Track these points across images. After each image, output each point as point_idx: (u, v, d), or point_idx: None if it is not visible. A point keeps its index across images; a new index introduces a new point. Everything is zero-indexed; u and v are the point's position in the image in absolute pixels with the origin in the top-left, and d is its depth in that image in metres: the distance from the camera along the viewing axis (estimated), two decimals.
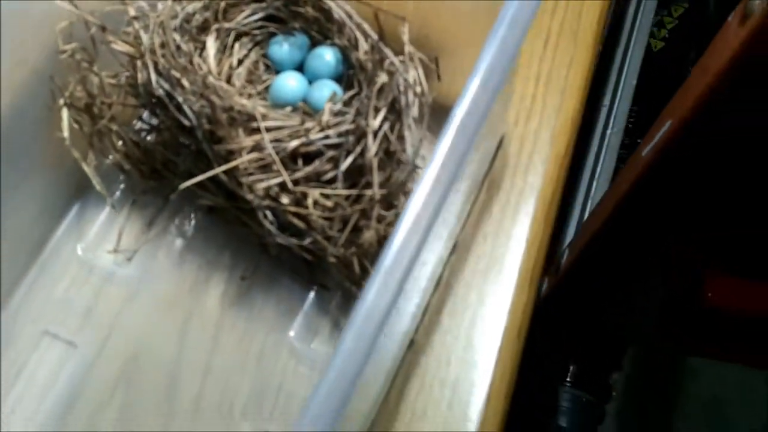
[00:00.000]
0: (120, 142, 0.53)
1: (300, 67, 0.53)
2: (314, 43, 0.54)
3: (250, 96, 0.51)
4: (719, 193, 0.69)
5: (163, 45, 0.49)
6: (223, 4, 0.51)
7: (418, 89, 0.47)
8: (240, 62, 0.52)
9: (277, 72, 0.54)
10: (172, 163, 0.53)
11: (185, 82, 0.47)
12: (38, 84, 0.49)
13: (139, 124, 0.54)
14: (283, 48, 0.53)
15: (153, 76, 0.48)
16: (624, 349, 1.39)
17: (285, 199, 0.47)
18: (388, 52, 0.47)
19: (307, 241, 0.48)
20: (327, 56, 0.52)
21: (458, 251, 0.54)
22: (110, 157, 0.53)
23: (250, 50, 0.53)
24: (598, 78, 0.95)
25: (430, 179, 0.35)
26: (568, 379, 1.25)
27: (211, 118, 0.47)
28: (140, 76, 0.49)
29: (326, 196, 0.47)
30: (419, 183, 0.35)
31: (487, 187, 0.56)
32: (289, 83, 0.52)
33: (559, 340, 1.25)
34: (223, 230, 0.54)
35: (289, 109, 0.51)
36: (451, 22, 0.52)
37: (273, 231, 0.47)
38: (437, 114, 0.57)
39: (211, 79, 0.47)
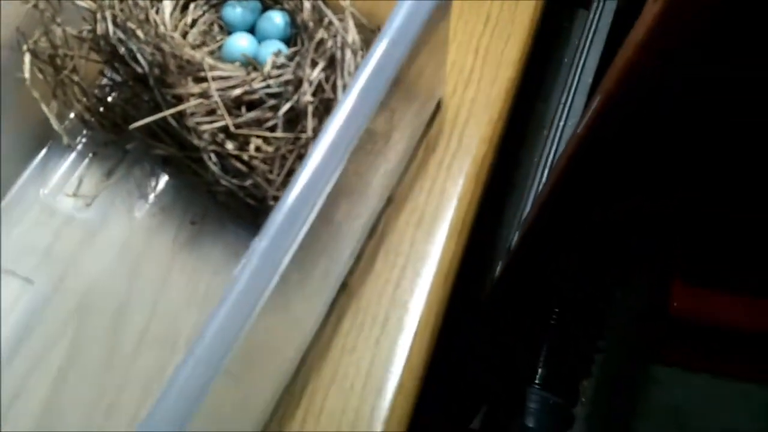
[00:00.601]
0: (83, 97, 0.57)
1: (252, 30, 0.58)
2: (266, 8, 0.58)
3: (199, 48, 0.55)
4: (645, 162, 0.73)
5: (122, 0, 0.53)
6: None
7: (354, 46, 0.51)
8: (194, 22, 0.57)
9: (230, 33, 0.58)
10: (132, 118, 0.57)
11: (140, 33, 0.52)
12: (5, 33, 0.53)
13: (103, 81, 0.58)
14: (236, 10, 0.57)
15: (110, 27, 0.52)
16: (592, 356, 1.43)
17: (229, 144, 0.51)
18: (326, 10, 0.51)
19: (248, 182, 0.52)
20: (276, 19, 0.57)
21: (394, 204, 0.58)
22: (73, 109, 0.57)
23: (205, 12, 0.58)
24: (550, 74, 1.00)
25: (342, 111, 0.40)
26: (536, 381, 1.28)
27: (162, 65, 0.51)
28: (99, 28, 0.53)
29: (267, 141, 0.51)
30: (333, 114, 0.40)
31: (424, 148, 0.60)
32: (241, 43, 0.56)
33: (522, 334, 1.28)
34: (176, 180, 0.58)
35: (237, 64, 0.55)
36: None
37: (217, 173, 0.51)
38: None
39: (162, 29, 0.51)
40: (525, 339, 1.26)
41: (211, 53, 0.58)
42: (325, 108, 0.51)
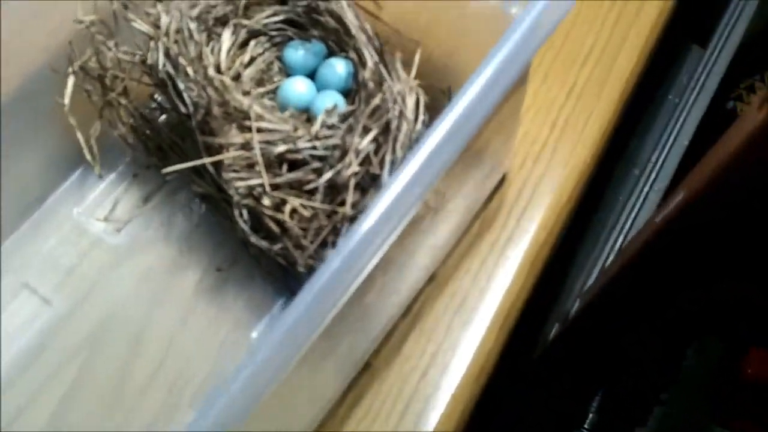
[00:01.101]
0: (129, 119, 0.54)
1: (313, 74, 0.54)
2: (330, 53, 0.54)
3: (247, 94, 0.51)
4: (723, 258, 0.67)
5: (178, 31, 0.50)
6: (243, 1, 0.51)
7: (411, 116, 0.47)
8: (252, 60, 0.53)
9: (289, 75, 0.54)
10: (177, 146, 0.54)
11: (190, 71, 0.48)
12: (57, 49, 0.50)
13: (152, 104, 0.56)
14: (298, 53, 0.53)
15: (161, 59, 0.49)
16: (652, 407, 1.36)
17: (265, 201, 0.48)
18: (386, 74, 0.47)
19: (277, 247, 0.48)
20: (338, 68, 0.52)
21: (436, 282, 0.54)
22: (117, 130, 0.54)
23: (265, 50, 0.54)
24: (642, 128, 0.93)
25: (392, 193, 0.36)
26: (585, 426, 1.22)
27: (207, 109, 0.47)
28: (150, 57, 0.50)
29: (304, 206, 0.47)
30: (381, 194, 0.36)
31: (479, 225, 0.55)
32: (298, 88, 0.53)
33: (574, 384, 1.22)
34: (211, 219, 0.55)
35: (288, 113, 0.51)
36: (474, 52, 0.52)
37: (246, 230, 0.48)
38: None
39: (211, 71, 0.47)
40: (577, 388, 1.20)
41: (266, 94, 0.54)
42: (370, 180, 0.46)
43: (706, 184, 0.56)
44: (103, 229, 0.56)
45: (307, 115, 0.53)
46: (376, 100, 0.47)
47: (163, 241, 0.56)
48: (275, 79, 0.54)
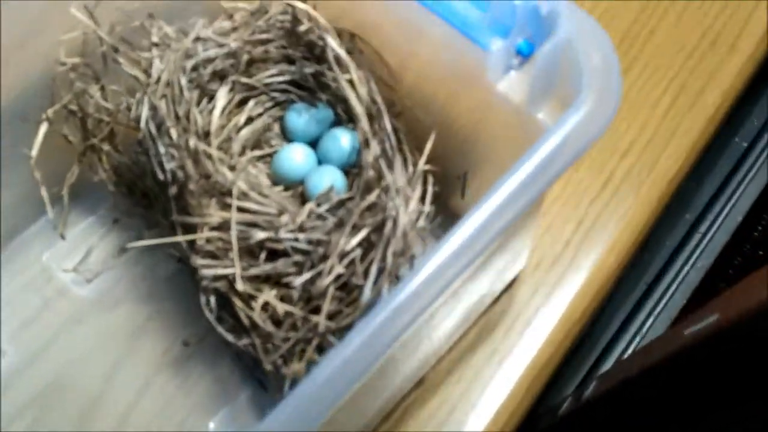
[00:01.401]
0: (112, 164, 0.49)
1: (316, 142, 0.48)
2: (338, 122, 0.48)
3: (241, 155, 0.46)
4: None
5: (168, 84, 0.44)
6: (245, 57, 0.46)
7: (413, 216, 0.41)
8: (250, 120, 0.48)
9: (290, 141, 0.49)
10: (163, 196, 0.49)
11: (173, 133, 0.43)
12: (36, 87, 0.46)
13: (139, 148, 0.51)
14: (300, 118, 0.48)
15: (144, 114, 0.44)
16: None
17: (237, 289, 0.42)
18: (386, 168, 0.41)
19: (242, 342, 0.43)
20: (343, 140, 0.47)
21: (423, 387, 0.49)
22: (98, 175, 0.50)
23: (266, 110, 0.48)
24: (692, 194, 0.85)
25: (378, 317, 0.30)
26: None
27: (184, 183, 0.42)
28: (134, 110, 0.45)
29: (276, 304, 0.42)
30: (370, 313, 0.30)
31: (479, 328, 0.50)
32: (295, 157, 0.47)
33: None
34: (187, 286, 0.50)
35: (278, 189, 0.46)
36: (495, 143, 0.46)
37: (210, 319, 0.43)
38: None
39: (192, 142, 0.42)
40: None
41: (262, 158, 0.49)
42: (349, 292, 0.41)
43: (744, 317, 0.49)
44: (71, 278, 0.51)
45: (302, 188, 0.47)
46: (372, 197, 0.41)
47: (133, 300, 0.51)
48: (273, 142, 0.49)
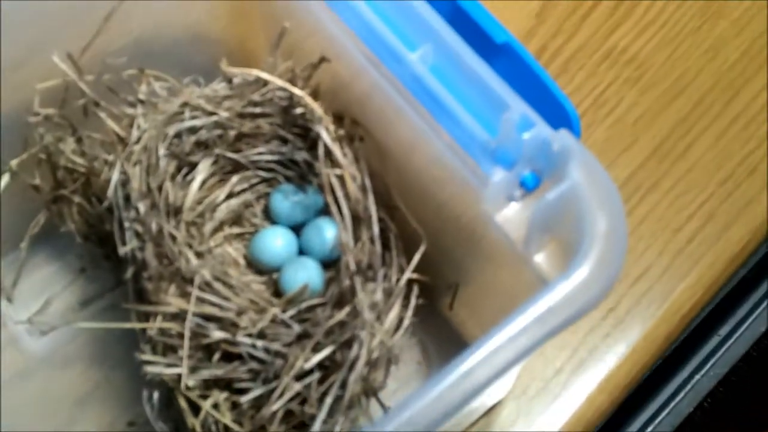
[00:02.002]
0: (82, 215, 0.46)
1: (300, 227, 0.45)
2: (326, 210, 0.44)
3: (217, 231, 0.42)
4: None
5: (146, 149, 0.41)
6: (233, 132, 0.42)
7: (378, 339, 0.37)
8: (231, 196, 0.44)
9: (273, 222, 0.45)
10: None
11: (141, 207, 0.39)
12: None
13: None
14: (287, 200, 0.44)
15: (114, 180, 0.40)
16: None
17: (190, 382, 0.39)
18: (360, 289, 0.37)
19: None
20: (327, 232, 0.43)
21: None
22: (66, 225, 0.46)
23: (251, 186, 0.45)
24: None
25: None
26: None
27: (141, 266, 0.39)
28: (104, 172, 0.41)
29: (228, 409, 0.38)
30: None
31: None
32: (275, 243, 0.43)
33: None
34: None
35: (249, 278, 0.42)
36: (484, 257, 0.42)
37: (149, 416, 0.39)
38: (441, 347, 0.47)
39: (155, 224, 0.38)
40: None
41: (240, 236, 0.45)
42: (302, 416, 0.37)
43: None
44: (25, 328, 0.48)
45: (276, 276, 0.44)
46: (342, 314, 0.37)
47: (86, 361, 0.47)
48: (255, 221, 0.45)
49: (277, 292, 0.44)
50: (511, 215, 0.35)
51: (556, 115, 0.38)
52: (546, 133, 0.33)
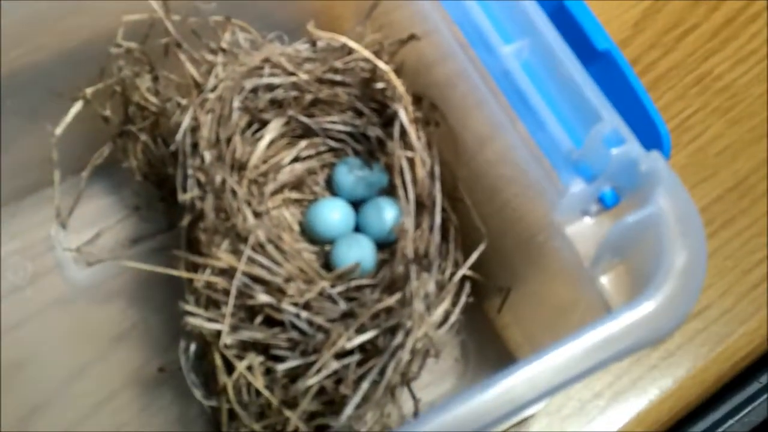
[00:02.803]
0: (144, 152, 0.45)
1: (361, 204, 0.44)
2: (390, 190, 0.43)
3: (257, 214, 0.40)
4: None
5: (220, 99, 0.40)
6: (309, 96, 0.41)
7: (424, 330, 0.36)
8: (296, 160, 0.43)
9: (333, 194, 0.44)
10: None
11: (207, 156, 0.39)
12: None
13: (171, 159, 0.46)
14: (351, 174, 0.43)
15: (184, 125, 0.40)
16: None
17: (228, 340, 0.38)
18: (414, 278, 0.36)
19: (209, 403, 0.39)
20: (387, 213, 0.42)
21: None
22: (129, 162, 0.46)
23: (318, 153, 0.44)
24: None
25: None
26: None
27: (199, 216, 0.38)
28: (176, 115, 0.41)
29: (262, 373, 0.38)
30: None
31: None
32: (332, 215, 0.42)
33: None
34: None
35: (302, 245, 0.41)
36: (544, 268, 0.40)
37: (183, 366, 0.39)
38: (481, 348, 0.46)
39: (220, 176, 0.38)
40: None
41: (298, 202, 0.44)
42: (334, 395, 0.36)
43: None
44: (72, 256, 0.48)
45: (328, 248, 0.43)
46: (392, 300, 0.36)
47: (126, 300, 0.47)
48: (315, 188, 0.44)
49: (327, 264, 0.43)
50: (582, 230, 0.34)
51: (647, 133, 0.36)
52: (636, 152, 0.32)
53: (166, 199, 0.47)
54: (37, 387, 0.45)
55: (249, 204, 0.39)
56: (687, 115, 0.54)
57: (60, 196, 0.46)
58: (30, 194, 0.49)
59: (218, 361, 0.38)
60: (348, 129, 0.43)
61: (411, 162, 0.39)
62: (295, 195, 0.44)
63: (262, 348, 0.38)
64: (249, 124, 0.42)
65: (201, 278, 0.38)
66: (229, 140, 0.40)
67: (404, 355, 0.36)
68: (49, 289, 0.47)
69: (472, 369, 0.46)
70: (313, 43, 0.43)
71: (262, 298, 0.37)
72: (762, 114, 0.54)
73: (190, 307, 0.38)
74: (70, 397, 0.45)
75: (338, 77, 0.42)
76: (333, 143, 0.43)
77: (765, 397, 0.70)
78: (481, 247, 0.39)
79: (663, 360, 0.46)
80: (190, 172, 0.39)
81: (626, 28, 0.57)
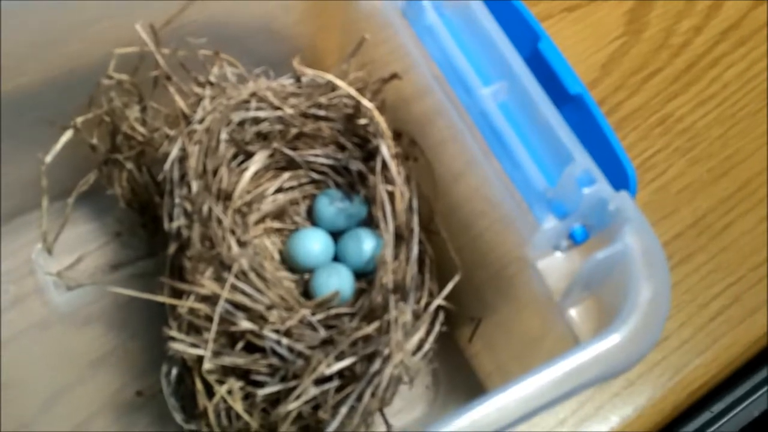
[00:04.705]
0: (129, 180, 0.47)
1: (340, 234, 0.45)
2: (369, 221, 0.45)
3: (241, 243, 0.42)
4: None
5: (208, 131, 0.42)
6: (294, 130, 0.43)
7: (400, 357, 0.37)
8: (279, 191, 0.45)
9: (314, 224, 0.45)
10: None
11: (194, 186, 0.40)
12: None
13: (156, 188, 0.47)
14: (332, 205, 0.44)
15: (172, 155, 0.41)
16: None
17: (209, 365, 0.39)
18: (392, 306, 0.38)
19: (190, 426, 0.40)
20: (366, 244, 0.44)
21: None
22: (113, 189, 0.47)
23: (300, 185, 0.45)
24: None
25: None
26: None
27: (185, 244, 0.39)
28: (164, 145, 0.42)
29: (241, 398, 0.39)
30: None
31: None
32: (312, 245, 0.44)
33: None
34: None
35: (283, 273, 0.43)
36: (515, 299, 0.42)
37: (164, 390, 0.40)
38: (452, 376, 0.48)
39: (206, 207, 0.39)
40: None
41: (279, 231, 0.46)
42: (314, 421, 0.37)
43: None
44: (53, 280, 0.49)
45: (307, 277, 0.44)
46: (371, 328, 0.38)
47: (105, 325, 0.48)
48: (297, 219, 0.46)
49: (306, 292, 0.44)
50: (553, 264, 0.36)
51: (615, 173, 0.38)
52: (606, 192, 0.34)
53: (147, 226, 0.48)
54: (16, 410, 0.45)
55: (233, 233, 0.41)
56: (650, 155, 0.57)
57: (46, 221, 0.47)
58: (13, 218, 0.49)
59: (199, 385, 0.39)
60: (330, 162, 0.44)
61: (391, 195, 0.41)
62: (276, 224, 0.45)
63: (242, 373, 0.39)
64: (235, 155, 0.43)
65: (185, 304, 0.39)
66: (215, 171, 0.41)
67: (382, 382, 0.37)
68: (29, 313, 0.48)
69: (443, 396, 0.48)
70: (298, 79, 0.44)
71: (245, 324, 0.39)
72: (720, 155, 0.56)
73: (173, 333, 0.39)
74: (48, 420, 0.45)
75: (322, 112, 0.43)
76: (315, 175, 0.45)
77: (716, 426, 0.72)
78: (456, 279, 0.41)
79: (624, 388, 0.48)
80: (177, 201, 0.40)
81: (595, 69, 0.59)
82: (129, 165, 0.46)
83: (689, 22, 0.61)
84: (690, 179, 0.55)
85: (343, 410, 0.36)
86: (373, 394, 0.37)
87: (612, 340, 0.31)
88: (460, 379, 0.49)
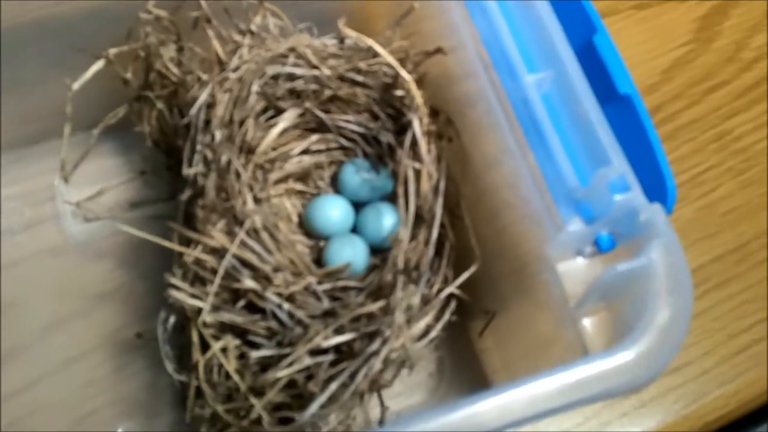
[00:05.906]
0: (158, 119, 0.46)
1: (362, 205, 0.44)
2: (392, 197, 0.43)
3: (257, 200, 0.40)
4: None
5: (240, 81, 0.40)
6: (329, 92, 0.41)
7: (400, 342, 0.36)
8: (305, 152, 0.43)
9: (336, 191, 0.44)
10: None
11: (218, 135, 0.39)
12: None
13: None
14: (357, 175, 0.43)
15: (200, 101, 0.40)
16: None
17: (207, 318, 0.38)
18: (400, 288, 0.36)
19: (179, 377, 0.39)
20: (385, 219, 0.42)
21: None
22: (142, 126, 0.46)
23: (328, 149, 0.44)
24: None
25: None
26: None
27: (200, 191, 0.38)
28: (194, 89, 0.41)
29: (236, 357, 0.38)
30: None
31: None
32: (331, 213, 0.43)
33: None
34: None
35: (297, 236, 0.41)
36: (529, 298, 0.40)
37: (159, 337, 0.39)
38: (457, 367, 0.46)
39: (226, 156, 0.38)
40: None
41: (300, 194, 0.44)
42: (303, 390, 0.36)
43: None
44: (71, 209, 0.48)
45: (323, 244, 0.43)
46: (374, 307, 0.36)
47: (116, 261, 0.47)
48: (320, 183, 0.44)
49: (319, 260, 0.43)
50: (573, 269, 0.34)
51: (654, 184, 0.36)
52: (639, 201, 0.32)
53: (172, 168, 0.47)
54: (14, 331, 0.45)
55: (251, 188, 0.40)
56: (701, 170, 0.54)
57: (68, 149, 0.47)
58: (38, 142, 0.49)
59: (195, 337, 0.38)
60: (361, 130, 0.43)
61: (417, 174, 0.39)
62: (299, 186, 0.44)
63: (239, 332, 0.38)
64: (264, 110, 0.42)
65: (191, 254, 0.38)
66: (242, 122, 0.40)
67: (377, 363, 0.36)
68: (42, 238, 0.48)
69: (445, 386, 0.46)
70: (341, 40, 0.43)
71: (248, 283, 0.37)
72: None
73: (175, 281, 0.38)
74: (46, 346, 0.45)
75: (360, 78, 0.42)
76: (344, 142, 0.43)
77: None
78: (473, 268, 0.39)
79: (635, 409, 0.46)
80: (198, 147, 0.39)
81: (655, 74, 0.56)
82: (160, 104, 0.45)
83: (763, 38, 0.58)
84: (739, 202, 0.53)
85: (333, 386, 0.35)
86: (367, 375, 0.36)
87: (621, 357, 0.29)
88: (467, 372, 0.47)
